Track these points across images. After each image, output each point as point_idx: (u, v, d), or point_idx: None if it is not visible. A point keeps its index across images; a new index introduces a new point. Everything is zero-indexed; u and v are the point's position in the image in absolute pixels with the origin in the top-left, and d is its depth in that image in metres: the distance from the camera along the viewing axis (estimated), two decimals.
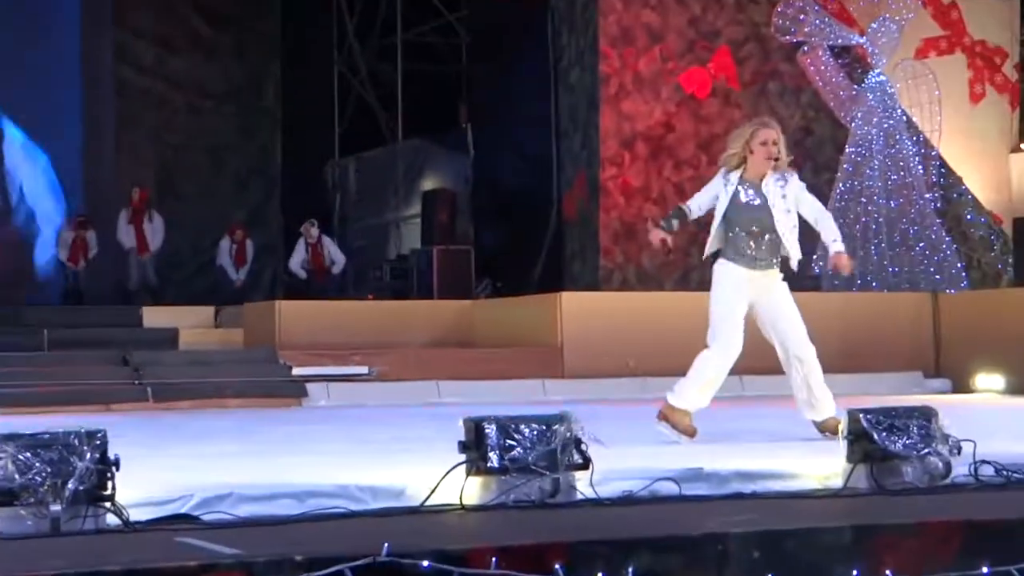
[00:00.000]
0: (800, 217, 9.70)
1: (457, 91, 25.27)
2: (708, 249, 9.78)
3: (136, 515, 6.21)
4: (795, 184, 9.59)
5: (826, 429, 9.59)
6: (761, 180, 9.56)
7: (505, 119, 22.73)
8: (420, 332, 18.86)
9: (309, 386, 16.62)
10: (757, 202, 9.56)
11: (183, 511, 6.39)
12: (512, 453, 6.78)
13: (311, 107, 26.85)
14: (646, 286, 20.35)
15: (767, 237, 9.59)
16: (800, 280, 19.53)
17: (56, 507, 5.99)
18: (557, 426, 6.90)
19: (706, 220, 9.85)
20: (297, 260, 22.30)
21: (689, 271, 20.62)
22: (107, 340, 18.18)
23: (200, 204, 23.07)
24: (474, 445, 6.82)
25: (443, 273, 22.01)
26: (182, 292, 24.22)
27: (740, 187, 9.57)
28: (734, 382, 16.85)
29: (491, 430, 6.81)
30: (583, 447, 6.93)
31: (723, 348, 9.60)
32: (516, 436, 6.81)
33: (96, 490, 6.10)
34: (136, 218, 22.44)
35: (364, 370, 17.14)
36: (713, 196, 9.65)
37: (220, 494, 6.51)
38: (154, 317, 19.92)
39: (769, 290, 9.73)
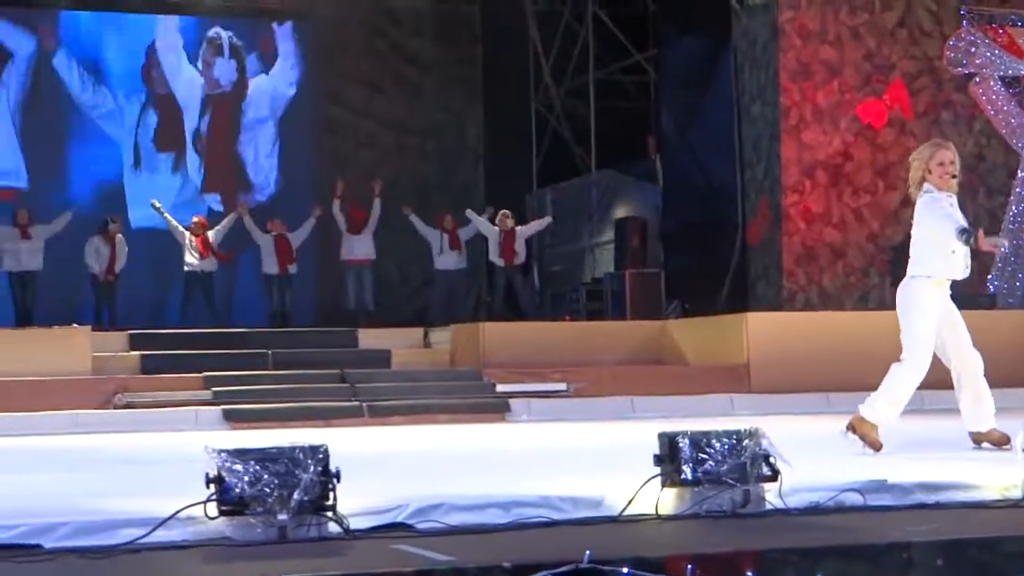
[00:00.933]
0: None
1: (646, 125, 25.19)
2: (924, 269, 9.58)
3: (355, 524, 6.26)
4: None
5: (986, 440, 9.42)
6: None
7: (692, 150, 22.63)
8: (614, 351, 18.80)
9: (512, 402, 16.67)
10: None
11: (399, 520, 6.42)
12: (705, 466, 6.72)
13: (510, 143, 26.96)
14: (827, 306, 20.11)
15: (961, 249, 9.44)
16: (975, 299, 19.28)
17: (283, 516, 6.06)
18: (747, 440, 6.83)
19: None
20: (493, 243, 22.25)
21: (868, 291, 20.37)
22: (326, 360, 18.37)
23: (409, 235, 23.17)
24: (669, 458, 6.78)
25: (635, 295, 21.94)
26: (394, 315, 24.41)
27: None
28: (914, 396, 16.70)
29: (684, 444, 6.76)
30: (771, 460, 6.86)
31: (918, 365, 9.48)
32: (708, 450, 6.75)
33: (319, 500, 6.17)
34: (354, 228, 22.53)
35: (563, 387, 17.15)
36: (946, 216, 9.40)
37: (433, 504, 6.53)
38: (369, 339, 20.09)
39: (946, 303, 9.62)
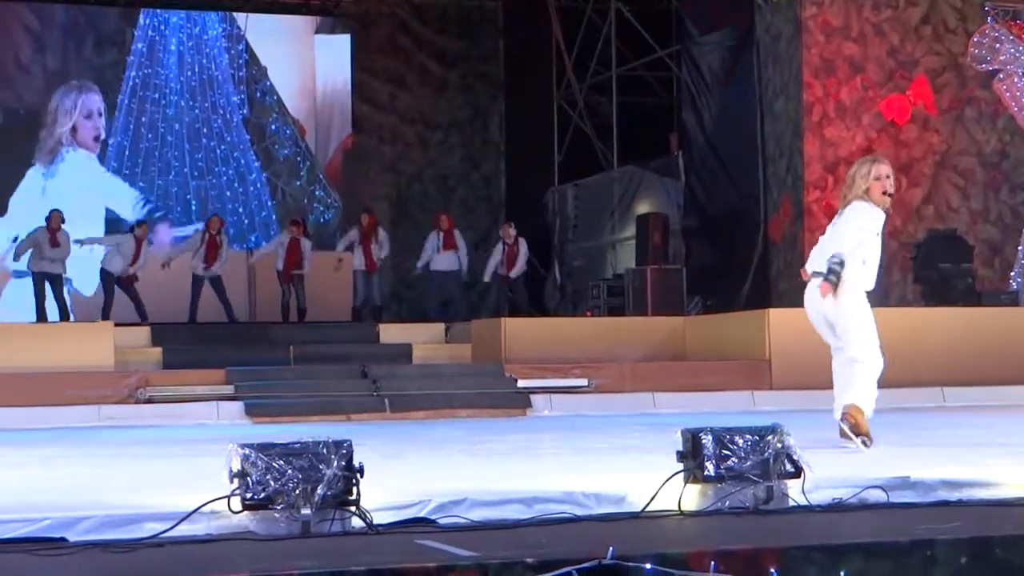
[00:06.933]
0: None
1: (668, 121, 25.19)
2: (844, 276, 9.71)
3: (378, 518, 6.26)
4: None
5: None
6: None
7: (714, 147, 22.59)
8: (635, 347, 18.80)
9: (533, 397, 16.66)
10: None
11: (422, 515, 6.43)
12: (728, 462, 6.72)
13: (532, 138, 26.98)
14: None
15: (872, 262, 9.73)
16: (997, 296, 19.25)
17: (307, 511, 6.07)
18: (770, 437, 6.83)
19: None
20: (492, 263, 22.45)
21: (890, 288, 20.30)
22: (347, 355, 18.41)
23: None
24: (691, 455, 6.78)
25: (656, 291, 21.92)
26: (414, 310, 24.46)
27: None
28: (935, 393, 16.69)
29: (708, 441, 6.76)
30: (794, 456, 6.85)
31: (879, 356, 9.72)
32: (731, 446, 6.75)
33: (343, 495, 6.18)
34: (364, 241, 22.60)
35: (584, 382, 17.13)
36: (866, 231, 9.66)
37: (455, 499, 6.53)
38: (389, 333, 20.13)
39: None
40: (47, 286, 20.78)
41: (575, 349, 18.25)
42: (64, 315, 20.77)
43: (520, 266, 22.47)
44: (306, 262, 22.16)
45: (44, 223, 21.02)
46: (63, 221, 21.12)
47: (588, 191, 26.36)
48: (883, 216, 9.70)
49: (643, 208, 24.48)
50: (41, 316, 20.69)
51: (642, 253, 22.93)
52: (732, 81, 22.09)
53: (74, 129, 25.01)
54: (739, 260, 21.49)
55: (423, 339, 19.93)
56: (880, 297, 20.04)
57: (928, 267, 19.39)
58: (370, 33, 26.53)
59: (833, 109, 20.42)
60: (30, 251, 20.87)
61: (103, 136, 25.10)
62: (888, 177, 9.63)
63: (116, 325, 18.55)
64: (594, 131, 26.11)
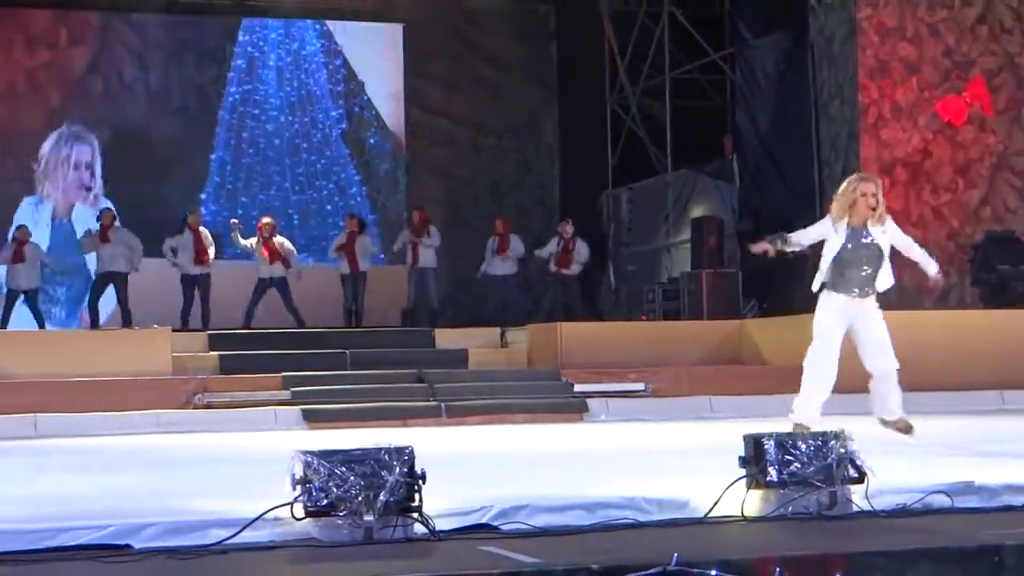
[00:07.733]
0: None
1: (722, 124, 25.06)
2: (816, 284, 10.71)
3: (440, 525, 6.27)
4: (891, 225, 10.48)
5: (892, 426, 10.77)
6: (864, 224, 10.36)
7: (769, 149, 22.48)
8: (692, 351, 18.74)
9: (590, 402, 16.64)
10: (864, 241, 10.35)
11: (484, 521, 6.43)
12: (790, 468, 6.69)
13: (586, 142, 26.91)
14: (905, 304, 19.91)
15: (868, 271, 10.41)
16: None
17: (369, 517, 6.08)
18: (832, 442, 6.79)
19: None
20: (546, 250, 22.43)
21: (948, 290, 20.16)
22: (404, 360, 18.41)
23: (485, 234, 23.21)
24: (754, 460, 6.75)
25: (712, 295, 21.83)
26: (470, 315, 24.44)
27: (850, 231, 10.37)
28: (995, 396, 16.56)
29: (770, 446, 6.73)
30: (857, 461, 6.81)
31: (814, 364, 10.65)
32: (794, 451, 6.72)
33: (405, 501, 6.19)
34: (415, 238, 22.46)
35: (640, 386, 17.10)
36: (819, 236, 10.57)
37: (517, 505, 6.53)
38: (445, 338, 20.11)
39: (865, 314, 10.59)
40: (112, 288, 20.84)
41: (631, 353, 18.19)
42: (127, 319, 20.64)
43: (577, 267, 22.44)
44: (362, 260, 21.99)
45: (96, 223, 21.17)
46: (115, 218, 21.16)
47: (642, 195, 26.28)
48: (841, 226, 10.39)
49: (698, 211, 24.39)
50: (95, 320, 20.69)
51: (697, 256, 22.85)
52: (786, 83, 21.99)
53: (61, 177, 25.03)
54: (795, 262, 21.32)
55: (479, 344, 19.88)
56: (938, 299, 20.00)
57: (986, 269, 19.26)
58: (422, 38, 26.56)
59: (889, 111, 20.30)
60: (94, 254, 21.01)
61: (96, 188, 25.01)
62: (874, 195, 10.24)
63: (173, 331, 18.60)
64: (647, 135, 26.01)
